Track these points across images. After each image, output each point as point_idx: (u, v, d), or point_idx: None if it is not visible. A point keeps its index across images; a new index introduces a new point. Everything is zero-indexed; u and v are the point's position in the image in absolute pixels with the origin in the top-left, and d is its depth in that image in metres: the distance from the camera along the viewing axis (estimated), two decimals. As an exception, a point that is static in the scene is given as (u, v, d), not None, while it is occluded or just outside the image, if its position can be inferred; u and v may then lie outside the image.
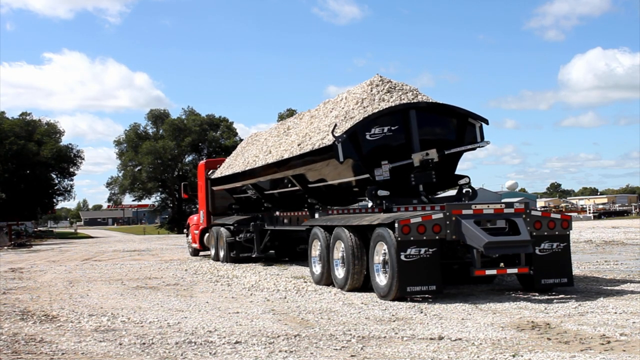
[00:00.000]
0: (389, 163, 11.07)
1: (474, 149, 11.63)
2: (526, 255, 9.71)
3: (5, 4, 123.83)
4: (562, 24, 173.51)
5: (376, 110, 11.22)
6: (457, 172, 11.88)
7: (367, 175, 11.27)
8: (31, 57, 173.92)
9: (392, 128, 11.13)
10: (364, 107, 11.70)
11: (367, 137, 11.06)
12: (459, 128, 11.61)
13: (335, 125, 11.28)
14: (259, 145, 16.66)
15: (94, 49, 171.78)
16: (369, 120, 11.05)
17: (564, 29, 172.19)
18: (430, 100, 11.68)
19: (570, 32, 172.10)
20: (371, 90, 12.08)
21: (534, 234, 9.83)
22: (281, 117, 63.45)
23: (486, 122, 11.62)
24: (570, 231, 10.26)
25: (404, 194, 11.21)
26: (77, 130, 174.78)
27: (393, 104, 11.36)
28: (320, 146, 11.60)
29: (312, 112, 14.39)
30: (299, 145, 12.86)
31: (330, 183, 12.81)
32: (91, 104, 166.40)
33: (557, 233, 10.03)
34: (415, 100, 11.53)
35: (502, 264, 9.99)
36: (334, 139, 10.93)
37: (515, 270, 9.79)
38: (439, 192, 12.19)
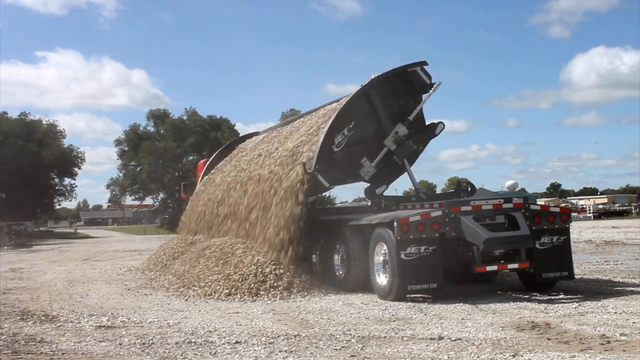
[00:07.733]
0: (367, 159, 11.30)
1: (430, 94, 11.68)
2: (526, 250, 9.68)
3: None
4: (567, 20, 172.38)
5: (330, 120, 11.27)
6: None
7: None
8: (25, 55, 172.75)
9: (350, 126, 11.18)
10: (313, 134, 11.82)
11: (334, 149, 11.10)
12: (406, 84, 11.71)
13: (304, 163, 11.23)
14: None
15: (89, 46, 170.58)
16: (327, 135, 11.06)
17: (569, 25, 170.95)
18: (371, 78, 11.63)
19: (574, 29, 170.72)
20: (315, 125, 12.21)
21: (534, 228, 9.76)
22: (284, 116, 63.46)
23: (425, 63, 11.76)
24: (570, 224, 10.24)
25: (396, 174, 11.68)
26: (74, 129, 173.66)
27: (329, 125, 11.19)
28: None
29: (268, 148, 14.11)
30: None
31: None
32: (88, 102, 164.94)
33: (556, 227, 9.97)
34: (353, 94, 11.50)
35: (502, 261, 9.97)
36: (311, 174, 10.96)
37: (515, 266, 9.77)
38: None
